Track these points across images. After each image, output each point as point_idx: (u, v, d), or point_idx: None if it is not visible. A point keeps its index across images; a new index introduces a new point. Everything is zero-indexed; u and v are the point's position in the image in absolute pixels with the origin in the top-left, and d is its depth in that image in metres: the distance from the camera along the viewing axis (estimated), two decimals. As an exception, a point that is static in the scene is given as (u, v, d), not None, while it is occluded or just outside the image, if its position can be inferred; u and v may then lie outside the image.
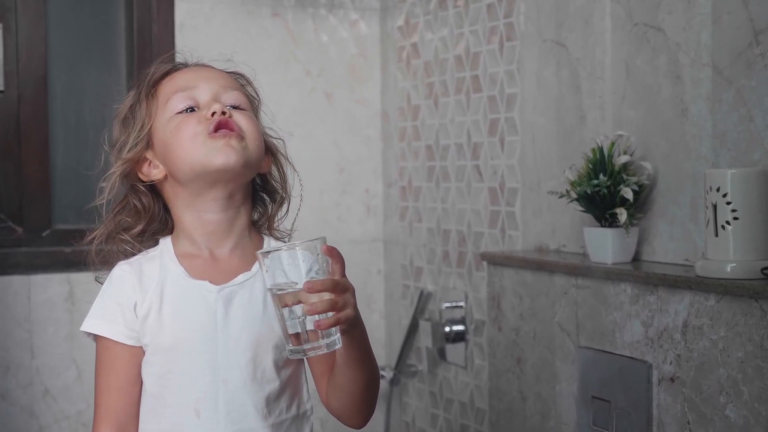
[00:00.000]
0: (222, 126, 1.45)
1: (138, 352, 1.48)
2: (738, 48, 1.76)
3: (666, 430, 1.80)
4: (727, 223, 1.67)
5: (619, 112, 2.04)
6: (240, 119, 1.48)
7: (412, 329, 2.80)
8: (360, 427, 1.52)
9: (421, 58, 2.79)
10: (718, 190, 1.68)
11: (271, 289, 1.32)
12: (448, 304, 2.63)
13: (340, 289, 1.30)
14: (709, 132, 1.82)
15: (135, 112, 1.52)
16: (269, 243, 1.57)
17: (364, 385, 1.45)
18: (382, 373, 2.88)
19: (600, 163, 1.96)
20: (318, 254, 1.31)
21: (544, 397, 2.14)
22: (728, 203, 1.67)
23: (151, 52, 2.77)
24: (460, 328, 2.59)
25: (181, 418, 1.46)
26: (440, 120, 2.71)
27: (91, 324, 1.49)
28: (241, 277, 1.49)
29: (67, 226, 2.75)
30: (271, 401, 1.47)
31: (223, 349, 1.45)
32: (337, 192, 2.98)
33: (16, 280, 2.63)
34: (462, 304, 2.59)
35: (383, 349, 3.03)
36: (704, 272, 1.71)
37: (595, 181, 1.94)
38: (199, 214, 1.50)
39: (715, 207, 1.69)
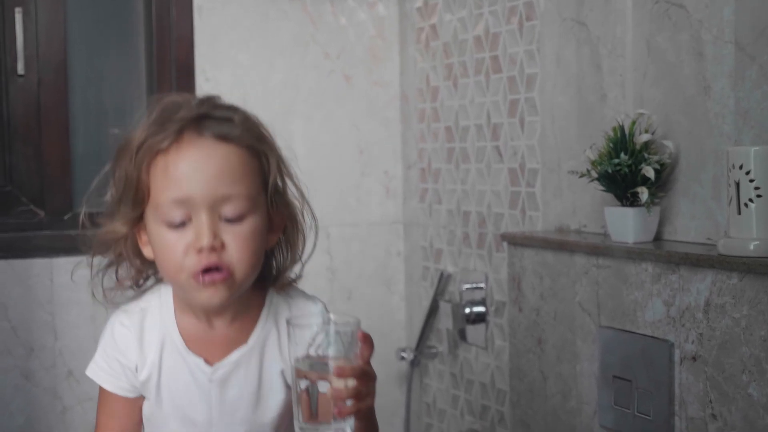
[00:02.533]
0: (210, 267, 1.34)
1: (139, 400, 1.47)
2: (761, 24, 1.74)
3: (688, 409, 1.79)
4: (750, 200, 1.66)
5: (641, 91, 2.03)
6: (231, 245, 1.35)
7: (433, 311, 2.80)
8: None
9: (440, 39, 2.79)
10: (740, 167, 1.67)
11: (296, 362, 1.27)
12: (468, 286, 2.63)
13: (367, 377, 1.27)
14: (732, 109, 1.81)
15: (127, 176, 1.37)
16: (271, 300, 1.48)
17: None
18: (402, 354, 2.89)
19: (621, 142, 1.95)
20: (350, 337, 1.27)
21: (565, 377, 2.14)
22: (751, 181, 1.66)
23: (169, 36, 2.77)
24: (480, 309, 2.59)
25: None
26: (460, 101, 2.70)
27: (95, 373, 1.49)
28: (235, 354, 1.44)
29: (88, 210, 2.75)
30: None
31: (218, 423, 1.44)
32: (356, 174, 2.98)
33: (39, 263, 2.64)
34: (482, 285, 2.59)
35: (404, 331, 3.03)
36: (727, 250, 1.70)
37: (616, 160, 1.94)
38: (183, 294, 1.43)
39: (737, 185, 1.68)
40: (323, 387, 1.26)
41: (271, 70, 2.88)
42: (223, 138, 1.35)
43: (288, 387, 1.44)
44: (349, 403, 1.25)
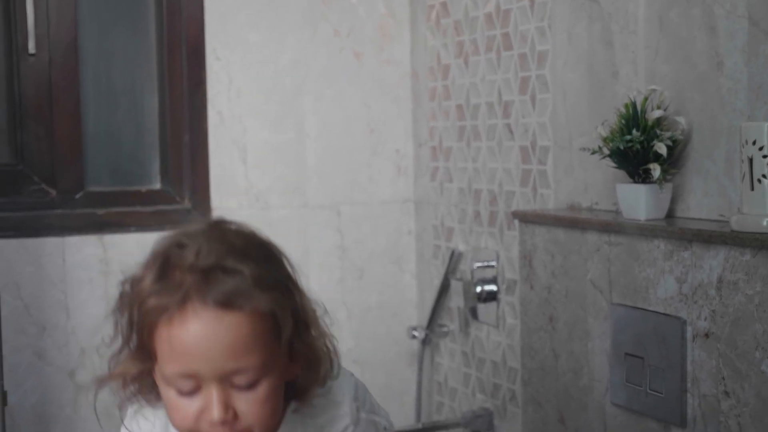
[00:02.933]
0: None
1: None
2: (774, -1, 1.73)
3: (700, 386, 1.79)
4: (764, 176, 1.66)
5: (653, 67, 2.02)
6: (245, 410, 1.26)
7: (444, 289, 2.80)
8: None
9: (451, 17, 2.78)
10: (754, 143, 1.66)
11: None
12: (479, 264, 2.63)
13: None
14: (745, 85, 1.80)
15: (132, 328, 1.28)
16: (287, 422, 1.38)
17: None
18: (414, 333, 2.89)
19: (633, 118, 1.94)
20: None
21: (576, 355, 2.14)
22: (764, 156, 1.65)
23: (180, 15, 2.77)
24: (491, 287, 2.59)
25: None
26: (470, 79, 2.69)
27: None
28: None
29: (100, 188, 2.77)
30: None
31: None
32: (367, 153, 2.98)
33: (50, 242, 2.65)
34: (493, 263, 2.59)
35: (415, 310, 3.03)
36: (740, 227, 1.69)
37: (628, 137, 1.93)
38: None
39: (751, 160, 1.67)
40: None
41: (281, 49, 2.87)
42: (230, 306, 1.23)
43: None
44: None
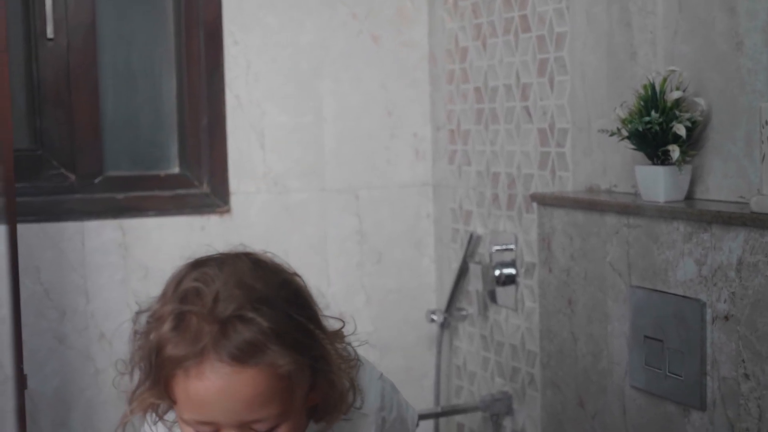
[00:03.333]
0: None
1: None
2: (795, -22, 1.71)
3: (720, 368, 1.78)
4: (783, 157, 1.64)
5: (671, 47, 2.00)
6: None
7: (462, 273, 2.80)
8: None
9: (469, -1, 2.76)
10: (773, 124, 1.65)
11: None
12: (498, 247, 2.62)
13: None
14: (765, 65, 1.78)
15: (151, 365, 1.27)
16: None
17: None
18: (432, 317, 2.89)
19: (652, 99, 1.93)
20: None
21: (595, 338, 2.13)
22: (784, 137, 1.64)
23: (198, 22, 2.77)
24: (510, 270, 2.58)
25: None
26: (488, 61, 2.68)
27: None
28: None
29: (119, 172, 2.77)
30: None
31: None
32: (385, 136, 2.97)
33: (70, 227, 2.66)
34: (512, 246, 2.58)
35: (434, 293, 3.03)
36: (759, 208, 1.68)
37: (647, 119, 1.91)
38: None
39: (770, 141, 1.66)
40: None
41: (299, 32, 2.86)
42: (246, 363, 1.22)
43: None
44: None
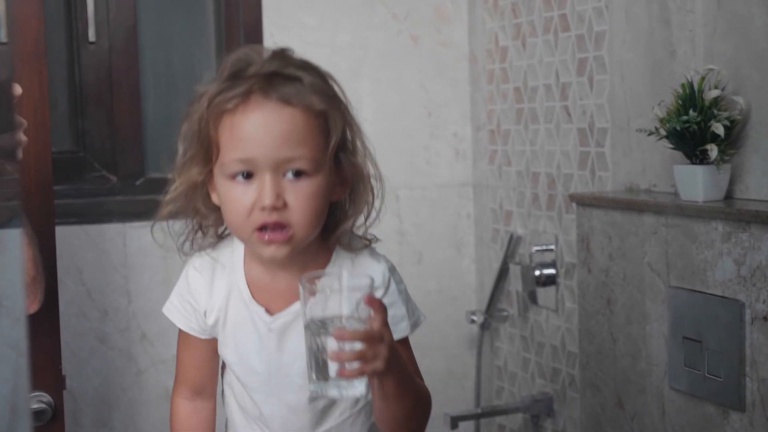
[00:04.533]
0: (269, 229, 1.39)
1: (212, 341, 1.54)
2: (834, -26, 1.69)
3: (759, 369, 1.76)
4: (822, 156, 1.62)
5: (710, 45, 1.98)
6: (294, 203, 1.38)
7: (503, 273, 2.78)
8: None
9: (509, -1, 2.75)
10: (812, 122, 1.63)
11: (309, 322, 1.28)
12: (538, 248, 2.61)
13: (374, 340, 1.26)
14: (804, 63, 1.76)
15: (199, 131, 1.41)
16: (337, 256, 1.51)
17: (404, 417, 1.41)
18: (473, 317, 2.88)
19: (690, 98, 1.91)
20: (361, 294, 1.27)
21: (634, 338, 2.11)
22: (823, 135, 1.61)
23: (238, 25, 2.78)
24: (550, 271, 2.57)
25: (247, 409, 1.53)
26: (528, 61, 2.67)
27: (170, 312, 1.56)
28: (296, 305, 1.44)
29: (160, 174, 2.79)
30: (326, 412, 1.51)
31: (276, 374, 1.49)
32: (425, 136, 2.97)
33: (112, 228, 2.68)
34: (552, 247, 2.57)
35: (474, 294, 3.02)
36: (798, 207, 1.66)
37: (685, 117, 1.89)
38: (245, 244, 1.48)
39: (809, 140, 1.63)
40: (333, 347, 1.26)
41: (337, 32, 2.87)
42: (288, 102, 1.37)
43: None
44: (354, 365, 1.26)
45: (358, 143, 1.47)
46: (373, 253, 1.54)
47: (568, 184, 2.51)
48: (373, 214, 1.51)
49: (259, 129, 1.37)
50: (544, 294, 2.60)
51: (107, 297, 2.67)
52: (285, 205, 1.38)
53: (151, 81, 2.79)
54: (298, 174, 1.38)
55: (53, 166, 2.02)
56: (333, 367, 1.26)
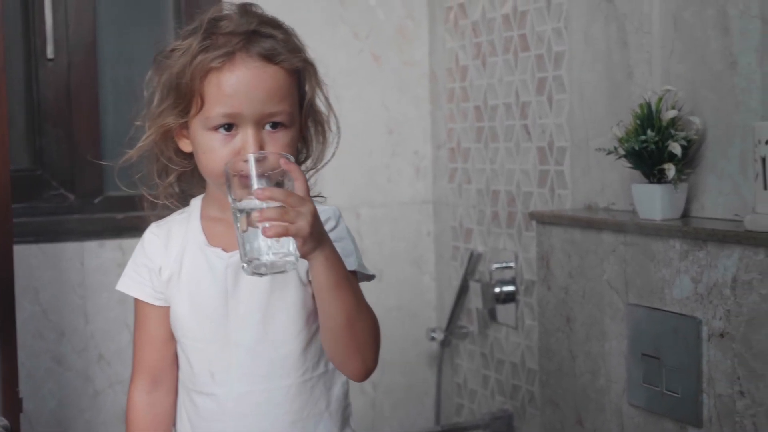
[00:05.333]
0: None
1: (167, 312, 1.56)
2: (788, -3, 1.72)
3: (716, 386, 1.78)
4: (777, 175, 1.64)
5: (668, 66, 2.00)
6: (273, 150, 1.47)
7: (463, 291, 2.80)
8: (357, 376, 1.49)
9: (469, 18, 2.77)
10: (767, 142, 1.65)
11: (231, 206, 1.35)
12: (498, 265, 2.62)
13: (294, 201, 1.32)
14: (759, 84, 1.78)
15: (179, 84, 1.48)
16: None
17: (344, 322, 1.42)
18: (432, 335, 2.88)
19: (648, 118, 1.94)
20: (278, 169, 1.34)
21: (593, 356, 2.13)
22: (778, 156, 1.64)
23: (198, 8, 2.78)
24: (510, 288, 2.58)
25: (198, 379, 1.53)
26: (488, 80, 2.69)
27: (124, 284, 1.59)
28: None
29: (119, 193, 2.76)
30: (289, 362, 1.50)
31: (234, 313, 1.50)
32: (386, 154, 2.98)
33: (70, 247, 2.66)
34: (512, 264, 2.58)
35: (434, 311, 3.03)
36: (754, 226, 1.68)
37: (643, 137, 1.92)
38: (222, 191, 1.52)
39: (764, 160, 1.66)
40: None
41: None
42: (271, 59, 1.47)
43: (304, 284, 1.49)
44: (278, 224, 1.31)
45: (323, 98, 1.57)
46: (324, 203, 1.60)
47: (527, 202, 2.52)
48: (321, 162, 1.62)
49: (245, 86, 1.45)
50: (504, 311, 2.61)
51: (64, 317, 2.65)
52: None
53: (110, 98, 2.78)
54: (275, 126, 1.47)
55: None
56: (264, 244, 1.32)
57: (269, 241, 1.32)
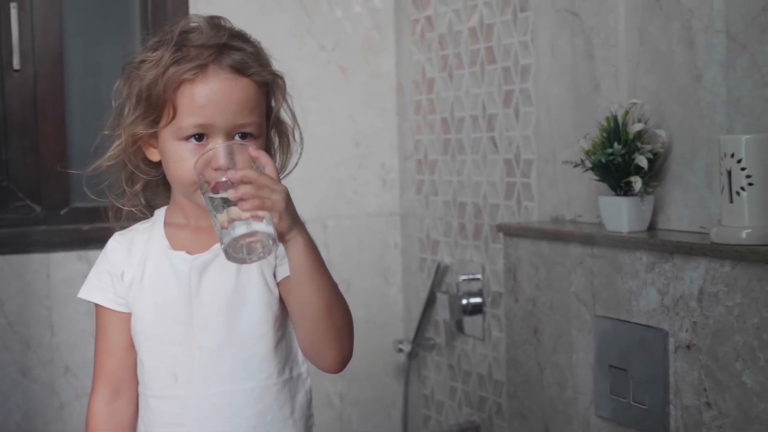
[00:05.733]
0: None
1: (128, 319, 1.56)
2: (752, 13, 1.74)
3: (683, 397, 1.80)
4: (742, 189, 1.67)
5: (634, 80, 2.03)
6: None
7: (430, 302, 2.80)
8: (333, 367, 1.50)
9: (435, 31, 2.79)
10: (732, 156, 1.67)
11: (205, 196, 1.37)
12: (465, 277, 2.63)
13: (265, 180, 1.35)
14: (724, 98, 1.81)
15: (149, 99, 1.50)
16: None
17: (323, 309, 1.43)
18: (400, 346, 2.89)
19: (614, 131, 1.96)
20: (247, 155, 1.38)
21: (561, 368, 2.14)
22: (743, 169, 1.66)
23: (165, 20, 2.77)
24: (477, 300, 2.59)
25: (160, 382, 1.53)
26: (455, 92, 2.70)
27: (86, 291, 1.60)
28: (217, 246, 1.51)
29: (85, 204, 2.76)
30: (253, 364, 1.50)
31: (198, 316, 1.50)
32: (353, 166, 2.98)
33: (36, 258, 2.64)
34: (479, 276, 2.59)
35: (401, 323, 3.03)
36: (719, 239, 1.70)
37: (610, 150, 1.94)
38: (190, 201, 1.54)
39: (729, 173, 1.68)
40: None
41: (266, 63, 2.87)
42: (242, 71, 1.50)
43: (270, 291, 1.51)
44: (252, 197, 1.34)
45: (288, 110, 1.59)
46: None
47: (494, 214, 2.54)
48: (284, 171, 1.62)
49: (218, 97, 1.48)
50: (471, 323, 2.62)
51: (30, 329, 2.63)
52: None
53: (77, 109, 2.77)
54: (244, 136, 1.49)
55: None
56: (242, 226, 1.34)
57: (247, 222, 1.34)
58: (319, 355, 1.49)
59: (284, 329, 1.52)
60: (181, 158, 1.48)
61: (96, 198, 1.64)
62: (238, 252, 1.35)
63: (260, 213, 1.35)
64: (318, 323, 1.44)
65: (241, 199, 1.34)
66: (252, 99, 1.50)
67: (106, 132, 1.59)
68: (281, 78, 1.57)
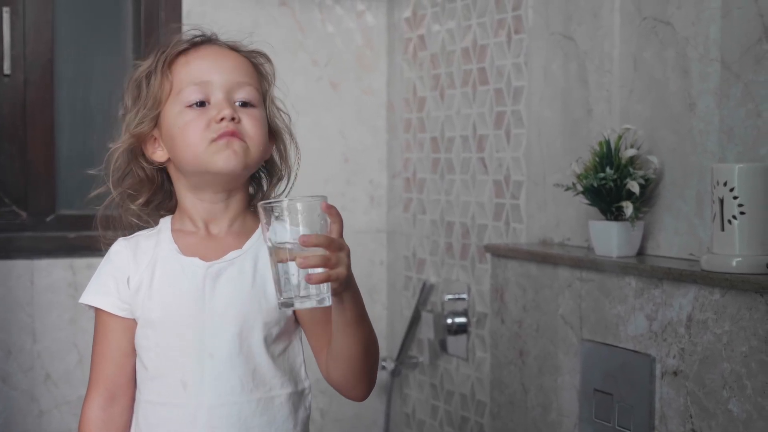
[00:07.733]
0: (228, 135, 1.50)
1: (131, 325, 1.54)
2: (747, 43, 1.76)
3: (668, 423, 1.80)
4: (734, 217, 1.67)
5: (627, 106, 2.04)
6: (247, 123, 1.52)
7: (414, 321, 2.80)
8: (362, 398, 1.53)
9: (428, 50, 2.79)
10: (725, 184, 1.68)
11: (269, 244, 1.35)
12: (450, 296, 2.63)
13: (335, 246, 1.33)
14: (717, 126, 1.82)
15: (147, 87, 1.53)
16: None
17: (362, 351, 1.46)
18: (383, 364, 2.88)
19: (607, 156, 1.96)
20: (317, 212, 1.34)
21: (546, 390, 2.14)
22: (735, 197, 1.67)
23: (158, 38, 2.76)
24: (462, 320, 2.59)
25: (168, 389, 1.51)
26: (446, 112, 2.71)
27: (88, 297, 1.57)
28: (231, 254, 1.52)
29: (72, 211, 2.75)
30: (259, 376, 1.50)
31: (210, 324, 1.49)
32: (341, 182, 2.98)
33: (20, 265, 2.63)
34: (464, 296, 2.59)
35: (385, 341, 3.03)
36: (709, 266, 1.71)
37: (602, 175, 1.94)
38: (199, 197, 1.55)
39: (722, 201, 1.69)
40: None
41: (258, 77, 2.87)
42: (235, 48, 1.57)
43: None
44: (319, 271, 1.32)
45: (283, 120, 1.62)
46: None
47: (482, 235, 2.54)
48: (291, 180, 1.66)
49: (212, 59, 1.54)
50: (455, 342, 2.62)
51: (11, 336, 2.61)
52: (239, 121, 1.51)
53: (66, 117, 2.76)
54: (244, 105, 1.52)
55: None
56: (301, 285, 1.33)
57: (318, 298, 1.34)
58: (350, 389, 1.52)
59: (289, 341, 1.54)
60: (185, 123, 1.50)
61: (101, 209, 1.61)
62: (290, 306, 1.36)
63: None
64: (355, 364, 1.47)
65: (308, 267, 1.32)
66: (246, 66, 1.56)
67: (111, 145, 1.59)
68: (270, 63, 1.61)
